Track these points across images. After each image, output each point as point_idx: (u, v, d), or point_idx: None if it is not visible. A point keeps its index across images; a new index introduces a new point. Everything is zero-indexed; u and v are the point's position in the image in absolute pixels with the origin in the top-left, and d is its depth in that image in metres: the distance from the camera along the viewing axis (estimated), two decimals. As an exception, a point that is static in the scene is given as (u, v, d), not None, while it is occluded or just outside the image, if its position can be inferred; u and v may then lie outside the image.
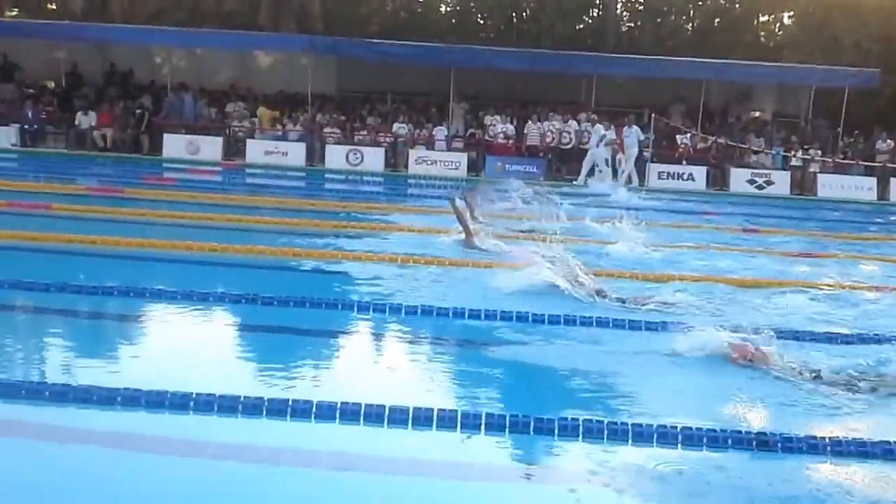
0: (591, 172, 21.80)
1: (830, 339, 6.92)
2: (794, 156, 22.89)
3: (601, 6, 34.34)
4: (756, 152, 23.34)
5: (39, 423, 4.75)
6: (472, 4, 35.50)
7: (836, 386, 5.66)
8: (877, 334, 7.10)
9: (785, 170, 22.96)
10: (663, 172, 22.64)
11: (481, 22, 35.26)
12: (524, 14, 34.23)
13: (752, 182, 22.52)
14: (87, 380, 5.17)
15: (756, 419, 5.26)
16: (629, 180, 21.68)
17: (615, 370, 5.97)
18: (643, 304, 7.69)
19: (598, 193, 18.84)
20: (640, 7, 35.65)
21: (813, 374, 5.81)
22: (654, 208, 16.94)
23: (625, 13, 35.98)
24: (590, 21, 34.80)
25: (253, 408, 4.83)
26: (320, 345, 6.74)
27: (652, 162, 22.66)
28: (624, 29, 34.85)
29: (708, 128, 23.87)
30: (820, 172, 22.85)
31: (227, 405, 4.83)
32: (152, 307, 7.48)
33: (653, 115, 22.97)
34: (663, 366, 6.06)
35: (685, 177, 22.59)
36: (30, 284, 7.53)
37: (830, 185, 22.63)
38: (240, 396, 4.89)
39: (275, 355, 6.34)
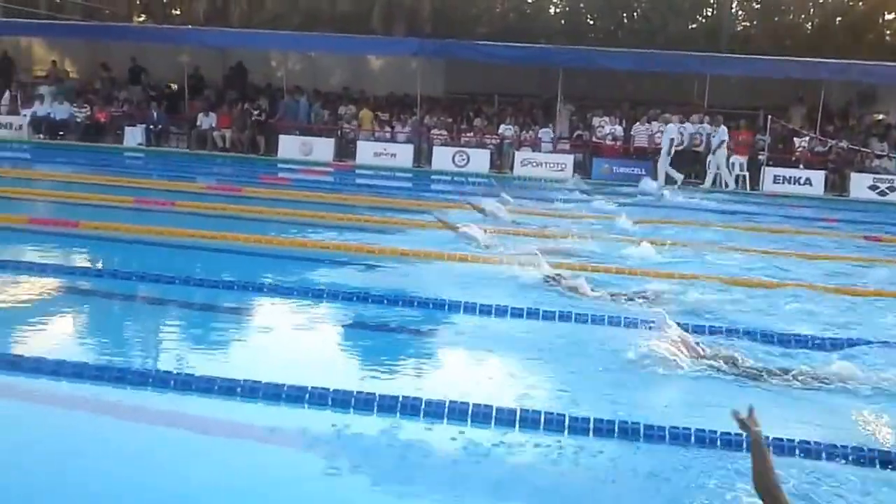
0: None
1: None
2: (921, 161, 21.77)
3: (715, 5, 33.55)
4: (879, 157, 22.28)
5: (165, 410, 5.01)
6: (581, 5, 35.23)
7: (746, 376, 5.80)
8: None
9: (910, 175, 21.84)
10: (779, 176, 21.79)
11: (591, 23, 34.96)
12: (635, 14, 33.75)
13: (874, 188, 21.49)
14: (208, 370, 5.44)
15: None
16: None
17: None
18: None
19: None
20: (757, 5, 34.64)
21: (728, 361, 5.94)
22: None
23: (740, 12, 35.04)
24: (703, 20, 34.06)
25: (364, 403, 5.00)
26: (428, 343, 6.87)
27: (768, 165, 21.93)
28: (739, 28, 33.93)
29: (828, 131, 22.91)
30: (948, 179, 21.62)
31: (341, 399, 5.02)
32: (269, 301, 7.81)
33: (769, 116, 22.22)
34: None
35: (802, 181, 21.71)
36: (156, 277, 7.99)
37: (959, 193, 21.39)
38: (353, 392, 5.07)
39: (384, 352, 6.53)
